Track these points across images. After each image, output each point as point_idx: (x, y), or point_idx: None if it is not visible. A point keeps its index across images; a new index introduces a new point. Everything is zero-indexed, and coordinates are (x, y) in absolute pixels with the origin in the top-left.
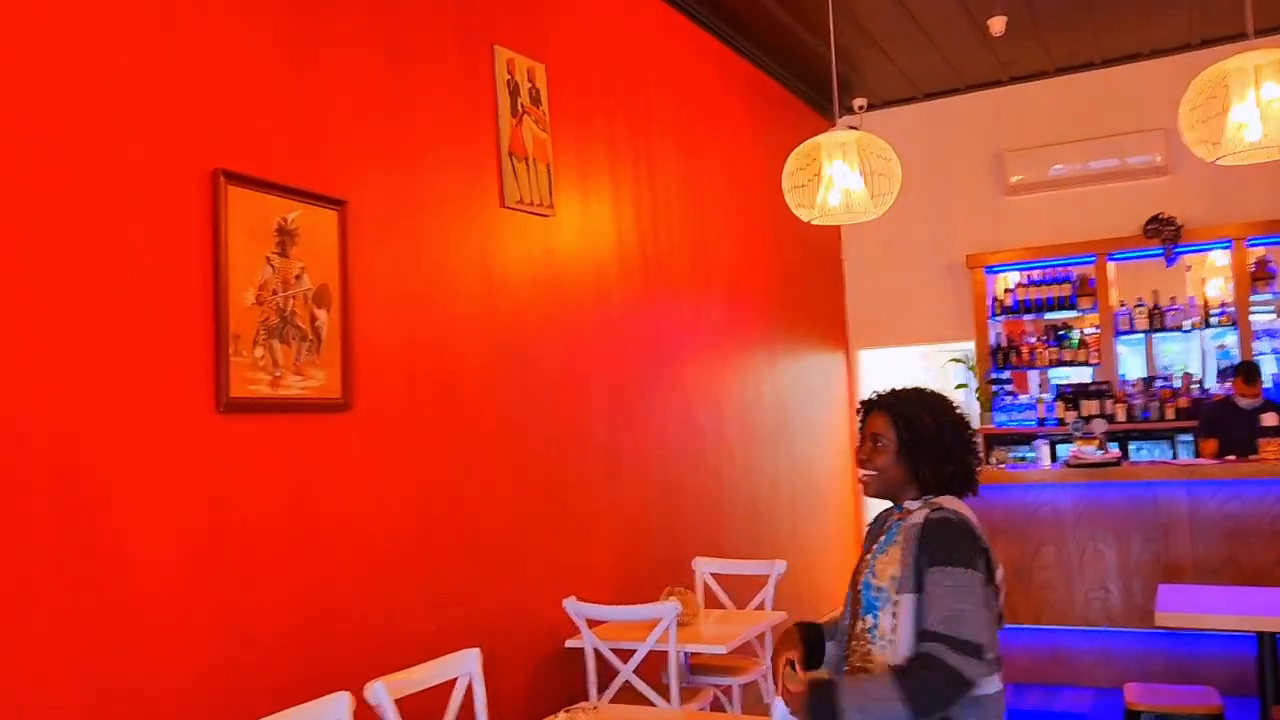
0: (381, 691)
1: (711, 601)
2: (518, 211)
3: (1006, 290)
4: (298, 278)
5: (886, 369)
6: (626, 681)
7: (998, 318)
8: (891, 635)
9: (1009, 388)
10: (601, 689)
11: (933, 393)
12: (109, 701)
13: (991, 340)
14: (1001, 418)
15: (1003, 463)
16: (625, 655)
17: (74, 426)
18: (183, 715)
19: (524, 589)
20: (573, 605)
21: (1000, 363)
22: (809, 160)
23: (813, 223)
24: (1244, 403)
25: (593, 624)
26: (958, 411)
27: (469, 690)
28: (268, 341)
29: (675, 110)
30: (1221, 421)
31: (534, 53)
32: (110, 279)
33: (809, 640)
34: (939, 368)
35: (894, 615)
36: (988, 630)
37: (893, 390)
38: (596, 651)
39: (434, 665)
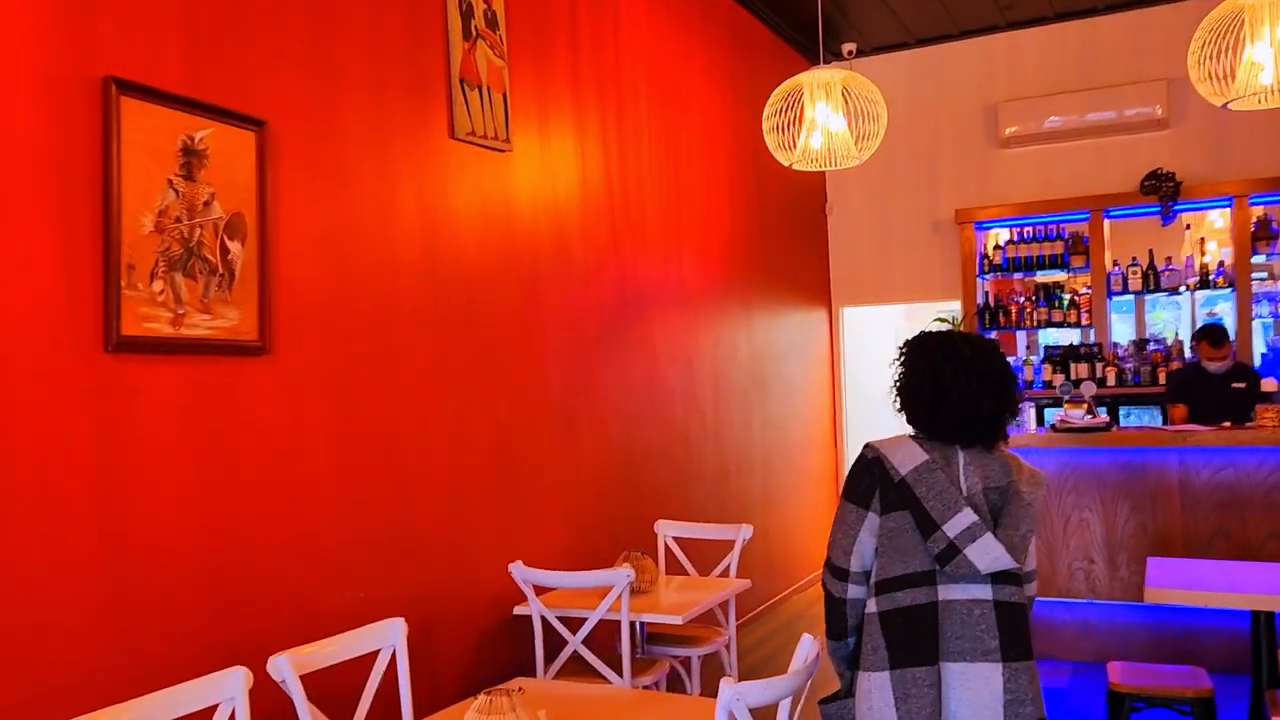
0: (285, 666)
1: (674, 568)
2: (469, 144)
3: (996, 247)
4: (206, 204)
5: (870, 327)
6: (576, 652)
7: (986, 276)
8: None
9: None
10: (550, 660)
11: (927, 334)
12: None
13: (979, 299)
14: None
15: None
16: (576, 624)
17: None
18: (63, 689)
19: (468, 554)
20: (519, 570)
21: (988, 323)
22: (791, 101)
23: (794, 167)
24: (1213, 367)
25: (540, 591)
26: (935, 355)
27: (392, 663)
28: (169, 274)
29: (649, 46)
30: (1191, 387)
31: None
32: None
33: None
34: (924, 326)
35: None
36: (851, 555)
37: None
38: (545, 621)
39: (350, 637)
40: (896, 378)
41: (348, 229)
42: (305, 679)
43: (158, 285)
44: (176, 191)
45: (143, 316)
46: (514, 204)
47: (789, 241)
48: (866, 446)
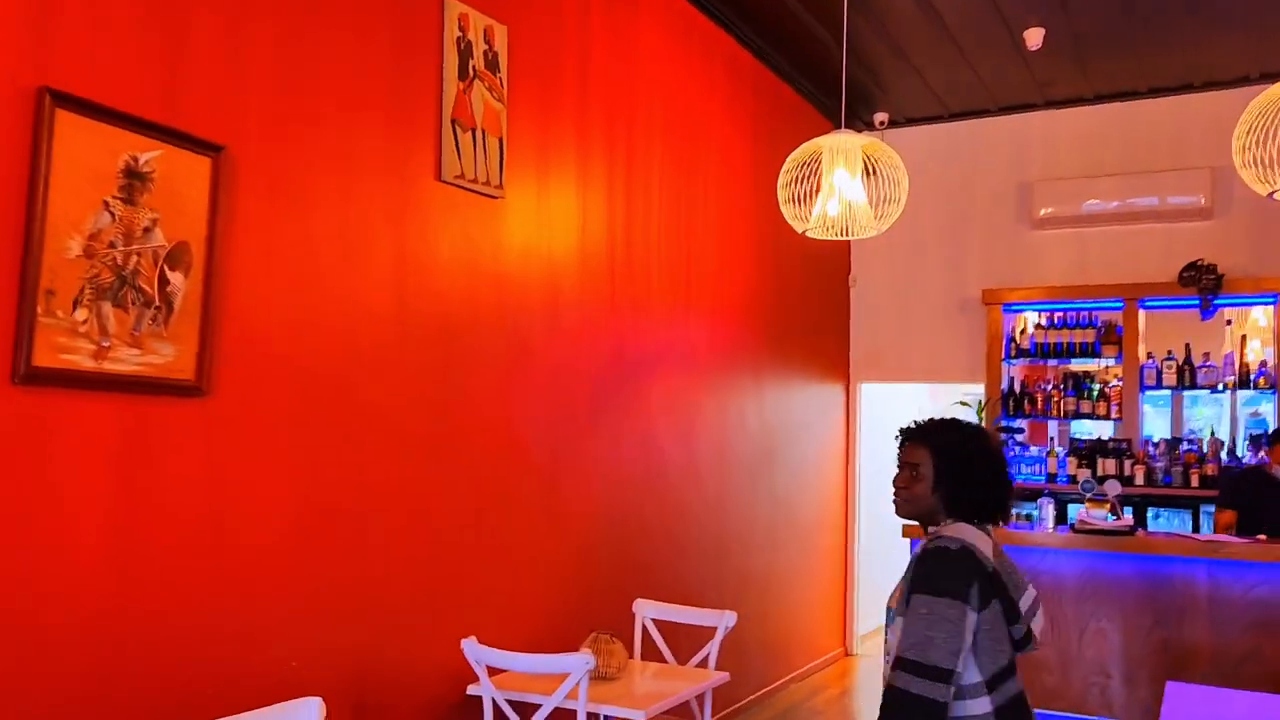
0: None
1: (652, 652)
2: (457, 188)
3: (1024, 331)
4: (147, 231)
5: (889, 405)
6: None
7: (1013, 360)
8: (891, 655)
9: (1020, 437)
10: None
11: (969, 424)
12: None
13: (1004, 384)
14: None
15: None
16: (532, 710)
17: None
18: None
19: (425, 626)
20: (471, 648)
21: (1012, 410)
22: (808, 166)
23: (808, 234)
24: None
25: (494, 672)
26: (991, 442)
27: None
28: (95, 303)
29: (665, 101)
30: (1248, 493)
31: (495, 10)
32: None
33: None
34: (945, 409)
35: (894, 635)
36: (958, 656)
37: (930, 420)
38: (495, 704)
39: (255, 716)
40: (951, 462)
41: (311, 267)
42: None
43: (81, 314)
44: (113, 215)
45: (60, 347)
46: (504, 254)
47: (808, 311)
48: (941, 539)
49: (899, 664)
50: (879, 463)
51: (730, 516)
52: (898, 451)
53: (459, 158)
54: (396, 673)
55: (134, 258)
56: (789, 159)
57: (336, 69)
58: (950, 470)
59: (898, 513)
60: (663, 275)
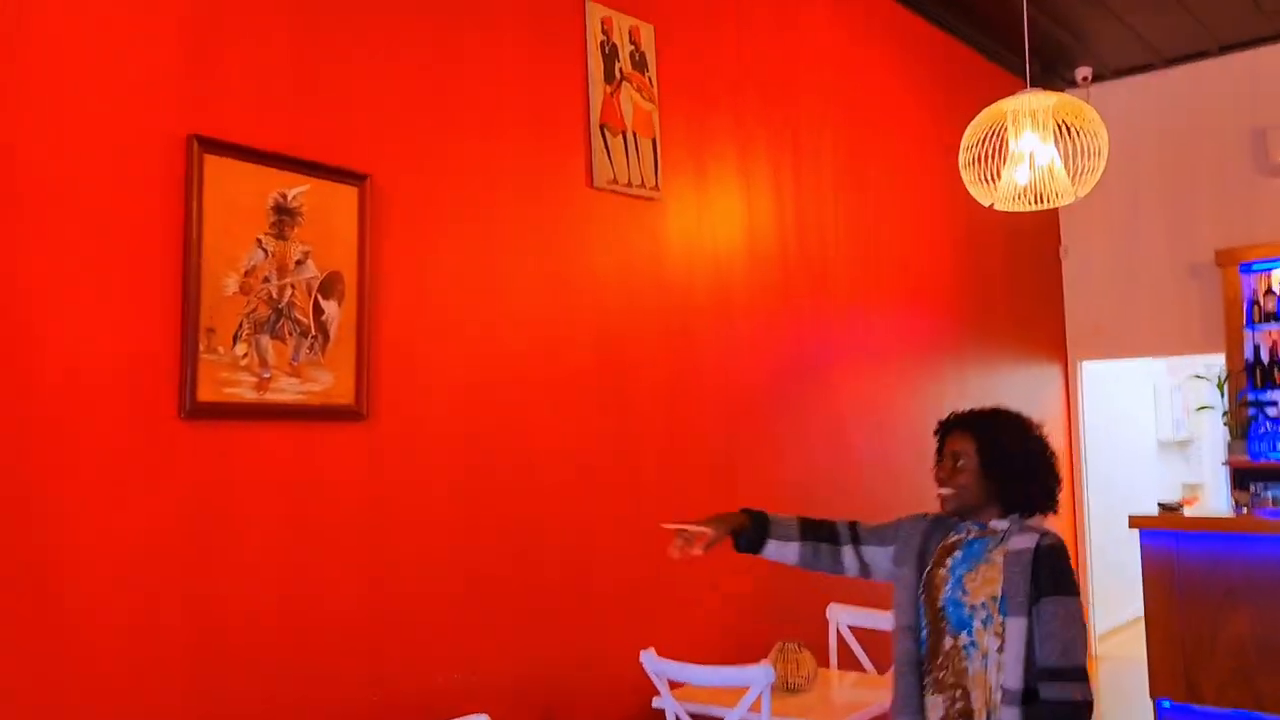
0: None
1: (849, 661)
2: (611, 193)
3: (1268, 293)
4: (299, 263)
5: (1120, 384)
6: None
7: (1257, 326)
8: (998, 656)
9: (1271, 411)
10: None
11: (1015, 413)
12: None
13: (1248, 353)
14: (1259, 447)
15: (1245, 505)
16: None
17: (13, 434)
18: None
19: (599, 638)
20: (650, 661)
21: (1259, 381)
22: (991, 131)
23: (994, 207)
24: None
25: (674, 685)
26: (1041, 432)
27: None
28: (254, 336)
29: (832, 81)
30: None
31: (639, 10)
32: (55, 261)
33: (744, 533)
34: (1178, 385)
35: (998, 636)
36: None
37: (973, 410)
38: (678, 719)
39: None
40: (998, 452)
41: (462, 285)
42: None
43: (240, 348)
44: (265, 250)
45: (223, 381)
46: (665, 256)
47: (1015, 289)
48: (1049, 534)
49: (1064, 674)
50: (1113, 448)
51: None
52: (939, 442)
53: (610, 163)
54: (573, 685)
55: (289, 290)
56: (969, 127)
57: (477, 86)
58: (998, 461)
59: (945, 507)
60: (843, 264)
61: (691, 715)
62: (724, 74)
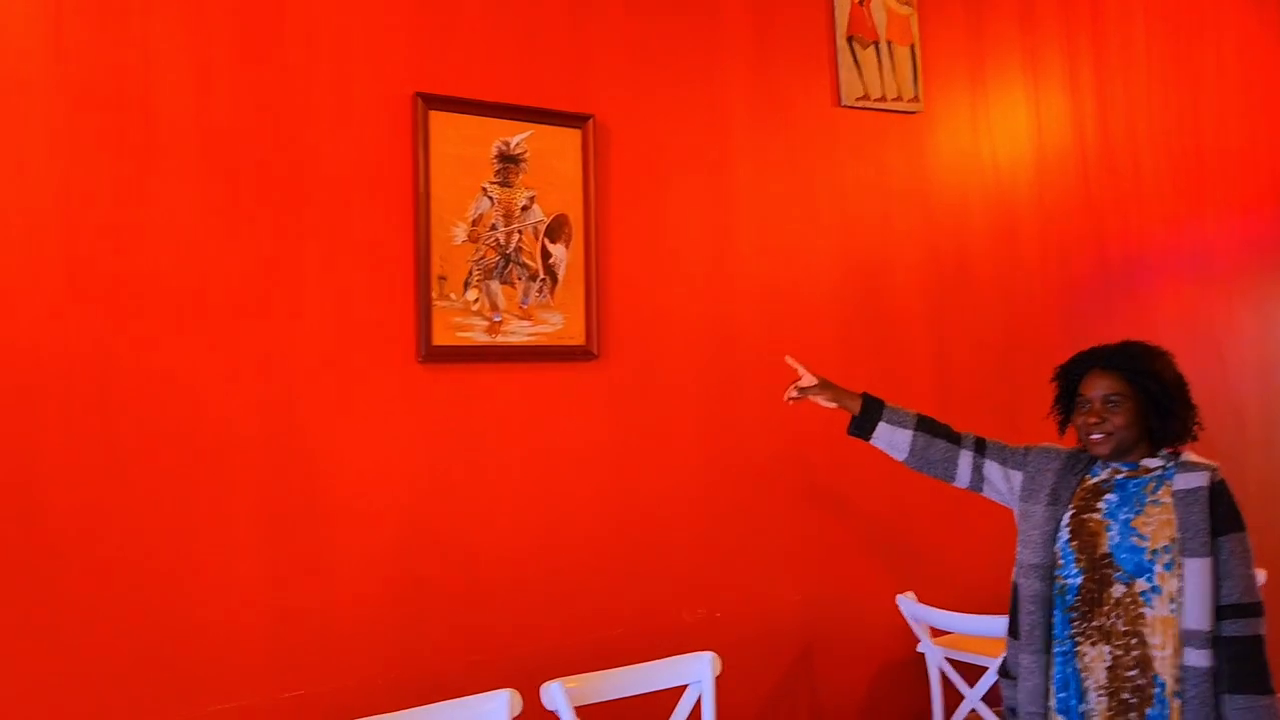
0: (559, 694)
1: None
2: (862, 109)
3: None
4: (525, 209)
5: None
6: (974, 711)
7: None
8: (1179, 598)
9: None
10: (948, 714)
11: (1149, 344)
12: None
13: None
14: None
15: None
16: (977, 671)
17: (281, 369)
18: (354, 688)
19: (855, 581)
20: (908, 605)
21: None
22: None
23: None
24: None
25: (936, 634)
26: (1176, 361)
27: (698, 706)
28: (484, 282)
29: None
30: None
31: None
32: (302, 217)
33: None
34: None
35: (1179, 578)
36: None
37: (1108, 347)
38: (942, 670)
39: (641, 670)
40: (1153, 388)
41: (695, 222)
42: (588, 710)
43: (471, 294)
44: (491, 199)
45: (456, 326)
46: (930, 173)
47: None
48: (1215, 470)
49: (1248, 610)
50: None
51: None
52: (1067, 385)
53: (860, 78)
54: (828, 628)
55: (515, 235)
56: None
57: (700, 13)
58: (1153, 397)
59: (1098, 451)
60: (1160, 169)
61: (953, 662)
62: None
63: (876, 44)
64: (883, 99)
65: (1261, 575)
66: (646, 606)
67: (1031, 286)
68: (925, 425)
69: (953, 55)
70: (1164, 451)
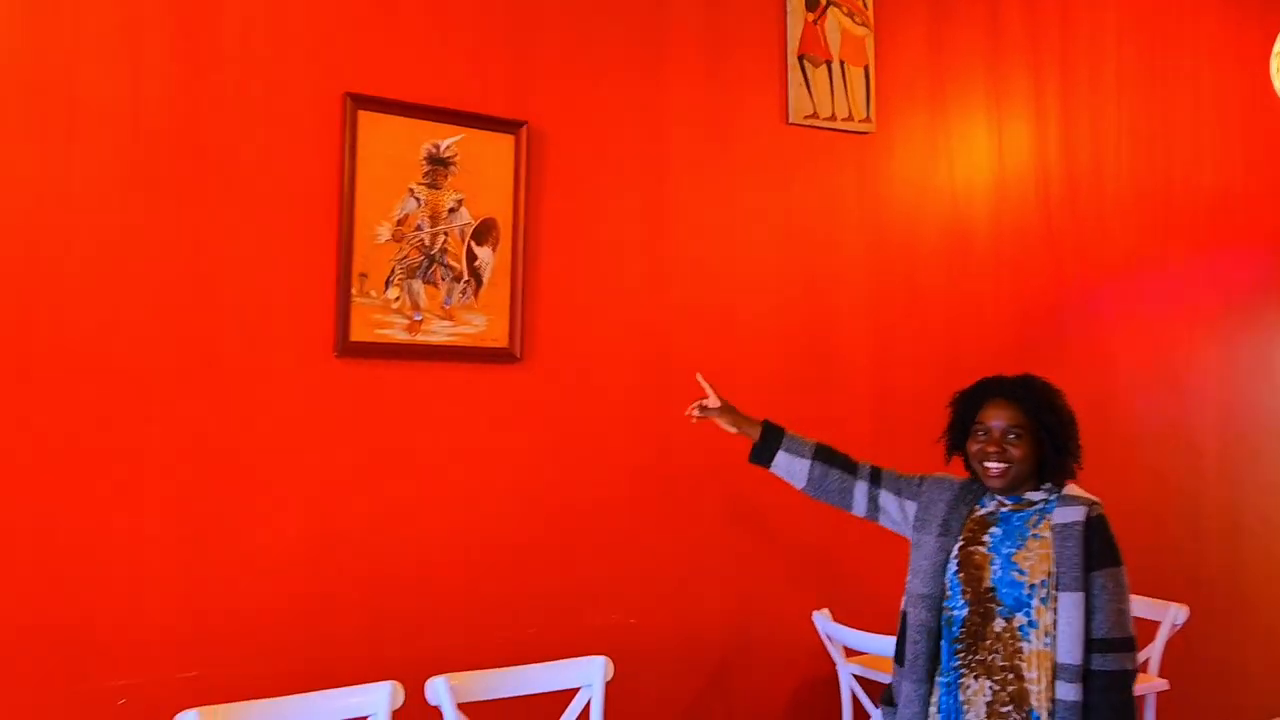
0: (443, 689)
1: None
2: (810, 128)
3: None
4: (452, 211)
5: None
6: None
7: None
8: (1052, 631)
9: None
10: None
11: (1042, 379)
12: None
13: None
14: None
15: None
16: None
17: (196, 358)
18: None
19: (774, 597)
20: (823, 623)
21: None
22: None
23: None
24: None
25: (850, 653)
26: (1065, 397)
27: (587, 710)
28: (406, 281)
29: None
30: None
31: None
32: (226, 210)
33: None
34: None
35: (1053, 612)
36: None
37: (1008, 378)
38: (853, 689)
39: (530, 671)
40: (1048, 420)
41: (631, 231)
42: (475, 708)
43: (393, 292)
44: (418, 199)
45: (375, 323)
46: (881, 196)
47: None
48: (1094, 503)
49: (1117, 645)
50: None
51: (1243, 490)
52: (965, 414)
53: (810, 96)
54: (743, 642)
55: (441, 237)
56: None
57: (646, 22)
58: (1049, 431)
59: (992, 484)
60: (1125, 202)
61: (864, 681)
62: None
63: (829, 63)
64: (833, 118)
65: (1183, 612)
66: (560, 610)
67: (983, 315)
68: (822, 455)
69: (912, 77)
70: (1046, 485)
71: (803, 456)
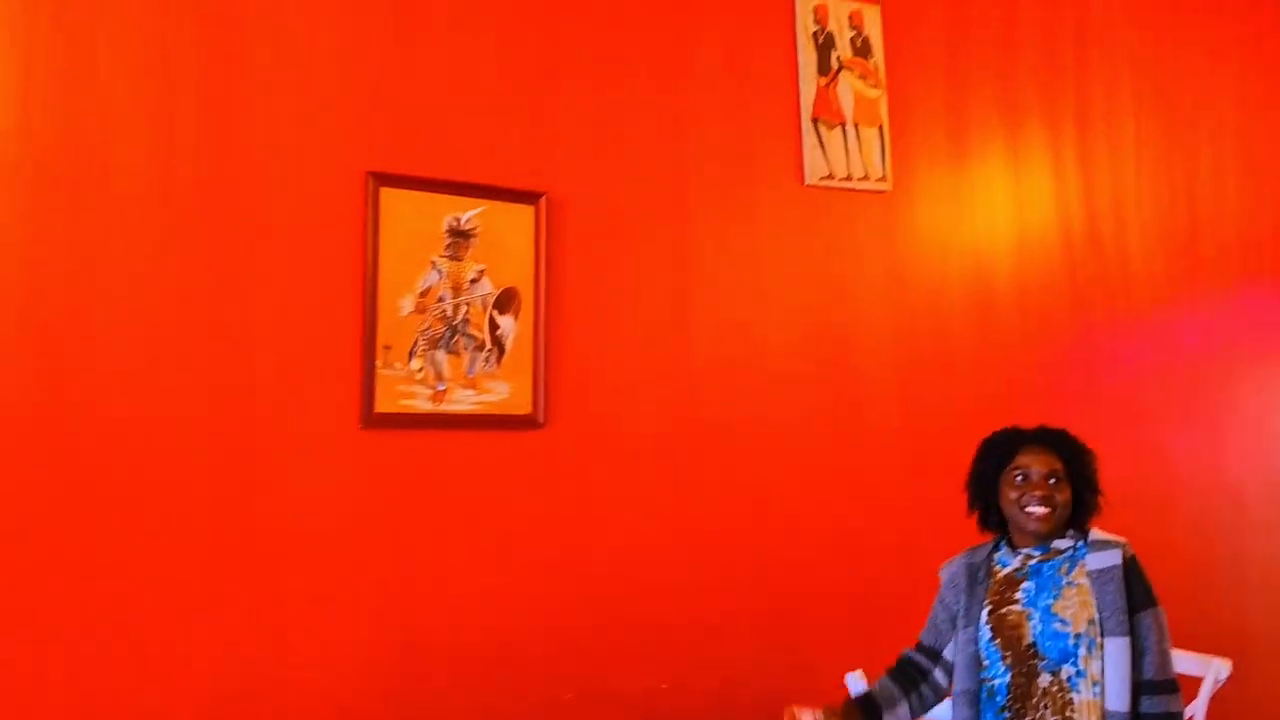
0: None
1: None
2: (828, 188)
3: None
4: (474, 281)
5: None
6: None
7: None
8: (1100, 679)
9: None
10: None
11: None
12: None
13: None
14: None
15: None
16: None
17: (226, 430)
18: None
19: (809, 659)
20: (856, 685)
21: None
22: None
23: None
24: None
25: None
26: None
27: None
28: (429, 352)
29: (1127, 28)
30: None
31: None
32: (253, 287)
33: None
34: None
35: (1100, 659)
36: None
37: (1039, 428)
38: None
39: None
40: (1084, 467)
41: (651, 295)
42: None
43: (416, 363)
44: (440, 272)
45: (399, 394)
46: (902, 252)
47: None
48: (1126, 546)
49: (1163, 687)
50: None
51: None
52: (1002, 460)
53: (825, 157)
54: (779, 703)
55: (463, 307)
56: None
57: (664, 91)
58: (1085, 478)
59: (1038, 527)
60: (1151, 247)
61: None
62: (972, 50)
63: (844, 125)
64: (849, 178)
65: (1226, 667)
66: (592, 675)
67: (1012, 367)
68: (904, 684)
69: (928, 133)
70: (1069, 531)
71: (899, 702)
